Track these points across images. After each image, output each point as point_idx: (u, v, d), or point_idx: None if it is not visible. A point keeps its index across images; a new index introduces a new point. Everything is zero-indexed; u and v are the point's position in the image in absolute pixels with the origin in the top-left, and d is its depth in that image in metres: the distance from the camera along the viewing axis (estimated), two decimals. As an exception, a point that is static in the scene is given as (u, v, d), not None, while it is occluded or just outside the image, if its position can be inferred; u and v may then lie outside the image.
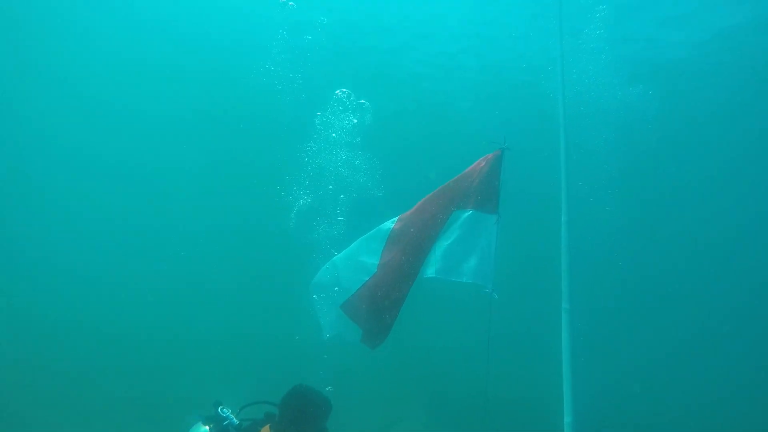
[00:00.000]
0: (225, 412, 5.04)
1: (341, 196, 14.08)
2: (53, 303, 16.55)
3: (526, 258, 12.75)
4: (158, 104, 18.38)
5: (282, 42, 15.66)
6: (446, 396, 13.78)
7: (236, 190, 18.30)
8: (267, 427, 4.92)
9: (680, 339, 15.89)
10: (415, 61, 17.54)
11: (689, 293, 16.55)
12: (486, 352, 6.23)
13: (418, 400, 14.17)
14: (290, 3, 15.87)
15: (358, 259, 7.79)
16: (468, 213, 7.17)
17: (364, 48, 17.20)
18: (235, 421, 5.01)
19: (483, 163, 7.24)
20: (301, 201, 14.71)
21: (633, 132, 15.86)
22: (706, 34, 15.39)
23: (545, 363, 7.05)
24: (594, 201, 14.62)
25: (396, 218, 7.74)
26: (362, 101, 14.51)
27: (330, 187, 14.24)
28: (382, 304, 7.40)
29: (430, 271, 7.12)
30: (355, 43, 17.07)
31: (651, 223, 17.04)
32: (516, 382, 11.88)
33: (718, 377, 15.13)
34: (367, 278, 7.64)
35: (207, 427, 4.99)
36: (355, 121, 14.10)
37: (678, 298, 16.46)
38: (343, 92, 14.61)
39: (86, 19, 17.31)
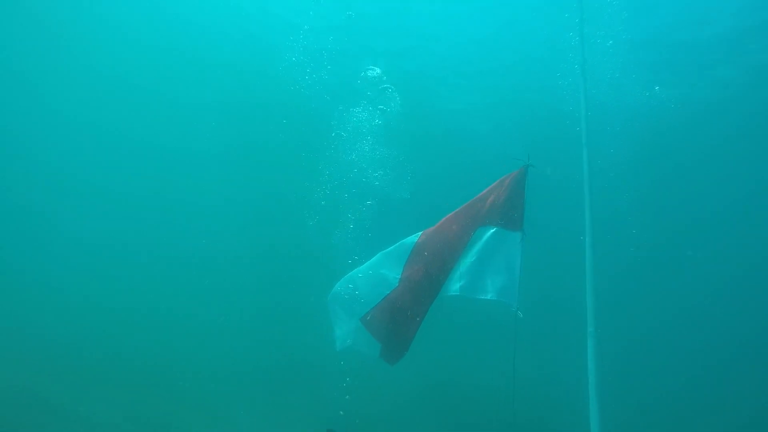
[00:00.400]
0: None
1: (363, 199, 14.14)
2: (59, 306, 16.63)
3: (551, 276, 12.62)
4: (178, 104, 18.48)
5: (301, 41, 15.78)
6: (469, 417, 13.60)
7: (253, 190, 18.31)
8: None
9: (712, 361, 15.45)
10: (427, 65, 17.42)
11: (724, 312, 16.09)
12: (511, 371, 6.19)
13: (440, 421, 14.00)
14: None
15: (379, 272, 7.77)
16: (492, 230, 7.13)
17: (374, 51, 17.14)
18: None
19: (507, 181, 7.24)
20: (323, 202, 14.77)
21: (658, 140, 15.67)
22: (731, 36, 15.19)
23: (572, 386, 6.97)
24: (620, 219, 14.42)
25: (420, 233, 7.76)
26: (387, 86, 14.57)
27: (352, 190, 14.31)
28: (402, 319, 7.36)
29: (454, 288, 7.07)
30: (364, 47, 16.97)
31: (682, 239, 16.66)
32: (541, 402, 11.69)
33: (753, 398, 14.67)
34: (388, 292, 7.63)
35: None
36: (382, 106, 14.16)
37: (711, 317, 16.04)
38: (373, 69, 14.66)
39: (118, 18, 17.61)
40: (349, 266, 8.09)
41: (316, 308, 8.96)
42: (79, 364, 15.02)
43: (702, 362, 15.43)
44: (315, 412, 12.82)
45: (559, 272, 11.44)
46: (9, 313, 15.90)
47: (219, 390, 15.05)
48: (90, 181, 18.24)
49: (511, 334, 6.37)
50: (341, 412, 10.08)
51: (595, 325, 5.60)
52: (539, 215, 7.53)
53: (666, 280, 16.30)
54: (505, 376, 6.35)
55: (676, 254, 16.34)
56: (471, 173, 15.27)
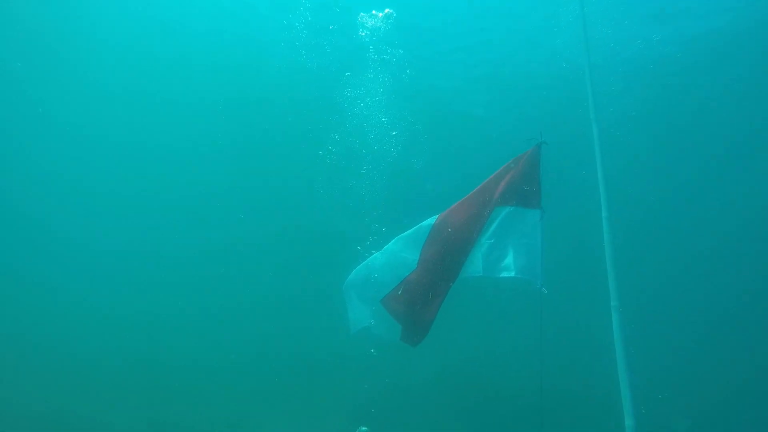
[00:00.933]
0: None
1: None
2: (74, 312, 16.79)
3: (571, 252, 12.53)
4: (183, 93, 18.39)
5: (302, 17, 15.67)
6: (495, 396, 13.63)
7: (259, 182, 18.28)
8: None
9: (737, 327, 15.33)
10: (422, 42, 17.16)
11: (745, 278, 15.84)
12: (539, 348, 6.30)
13: (467, 401, 14.06)
14: None
15: (398, 255, 7.89)
16: (509, 209, 7.18)
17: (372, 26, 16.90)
18: None
19: (522, 160, 7.30)
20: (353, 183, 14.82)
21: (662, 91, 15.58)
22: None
23: (600, 361, 7.08)
24: (635, 187, 14.30)
25: (436, 216, 7.86)
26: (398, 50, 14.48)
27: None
28: (422, 300, 7.44)
29: (476, 269, 7.16)
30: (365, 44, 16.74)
31: (702, 206, 16.59)
32: (570, 380, 11.66)
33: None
34: (407, 274, 7.76)
35: None
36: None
37: (733, 283, 15.82)
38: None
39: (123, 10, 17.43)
40: (363, 254, 8.22)
41: (332, 295, 9.10)
42: (100, 370, 15.23)
43: (724, 324, 15.42)
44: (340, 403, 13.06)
45: (579, 247, 11.47)
46: (27, 324, 16.07)
47: (240, 386, 15.22)
48: (116, 180, 18.29)
49: (536, 310, 6.47)
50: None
51: (618, 298, 5.71)
52: (556, 191, 7.61)
53: (684, 244, 16.22)
54: (531, 352, 6.45)
55: (692, 214, 16.17)
56: (472, 147, 15.38)
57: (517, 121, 15.96)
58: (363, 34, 15.28)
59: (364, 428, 12.66)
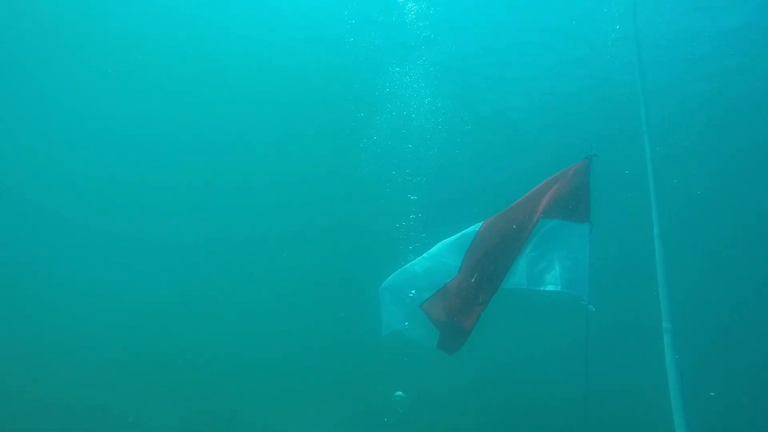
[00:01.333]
0: None
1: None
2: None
3: (621, 268, 12.26)
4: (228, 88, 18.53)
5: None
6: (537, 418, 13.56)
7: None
8: None
9: None
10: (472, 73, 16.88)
11: None
12: (584, 368, 6.17)
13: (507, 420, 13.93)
14: None
15: (440, 261, 7.82)
16: (554, 222, 7.03)
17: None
18: None
19: (570, 172, 7.13)
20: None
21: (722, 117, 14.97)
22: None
23: (650, 384, 6.87)
24: (689, 202, 13.70)
25: (480, 223, 7.75)
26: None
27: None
28: (462, 308, 7.35)
29: (521, 280, 7.05)
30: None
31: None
32: (618, 401, 11.42)
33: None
34: (448, 280, 7.69)
35: None
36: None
37: None
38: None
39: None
40: (410, 255, 8.16)
41: (367, 293, 9.07)
42: (134, 366, 15.34)
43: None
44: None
45: (629, 264, 11.15)
46: (62, 322, 16.35)
47: (270, 383, 15.31)
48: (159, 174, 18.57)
49: (582, 328, 6.33)
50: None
51: (671, 320, 5.54)
52: (605, 204, 7.41)
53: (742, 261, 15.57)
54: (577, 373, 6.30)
55: (748, 226, 15.51)
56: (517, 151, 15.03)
57: (561, 123, 15.58)
58: (411, 14, 15.15)
59: (399, 392, 12.71)
